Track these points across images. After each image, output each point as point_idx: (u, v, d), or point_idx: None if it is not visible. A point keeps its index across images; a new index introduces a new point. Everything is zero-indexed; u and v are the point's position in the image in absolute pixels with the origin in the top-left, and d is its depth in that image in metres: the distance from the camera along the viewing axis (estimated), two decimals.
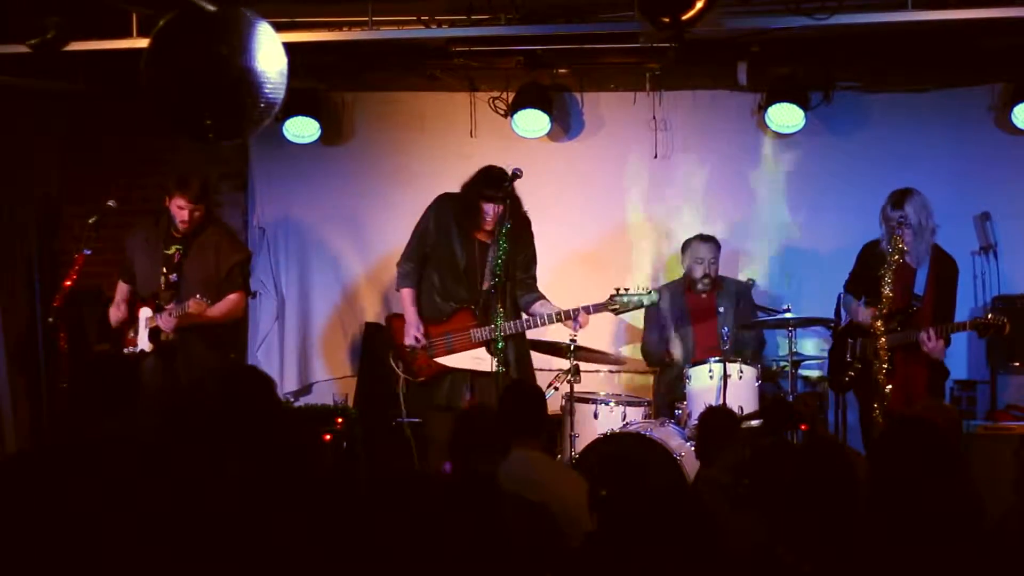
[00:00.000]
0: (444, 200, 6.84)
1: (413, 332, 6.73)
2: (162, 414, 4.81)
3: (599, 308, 6.61)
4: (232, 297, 6.78)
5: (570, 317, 6.56)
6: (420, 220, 6.90)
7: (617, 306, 6.62)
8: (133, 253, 6.87)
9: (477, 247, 6.71)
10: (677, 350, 7.36)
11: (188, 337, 6.64)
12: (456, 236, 6.72)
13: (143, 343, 6.68)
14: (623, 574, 3.37)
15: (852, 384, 6.77)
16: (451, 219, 6.75)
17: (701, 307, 7.40)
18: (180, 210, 6.69)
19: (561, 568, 3.63)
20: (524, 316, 6.65)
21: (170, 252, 6.71)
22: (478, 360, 6.62)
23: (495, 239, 6.49)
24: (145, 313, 6.71)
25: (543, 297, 6.76)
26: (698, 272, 7.39)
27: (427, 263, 6.81)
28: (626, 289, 6.61)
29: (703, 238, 7.47)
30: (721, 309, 7.32)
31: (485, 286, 6.63)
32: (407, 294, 6.83)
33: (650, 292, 6.67)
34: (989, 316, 6.60)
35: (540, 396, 5.34)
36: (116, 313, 6.85)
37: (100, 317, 7.02)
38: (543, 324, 6.65)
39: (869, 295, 6.71)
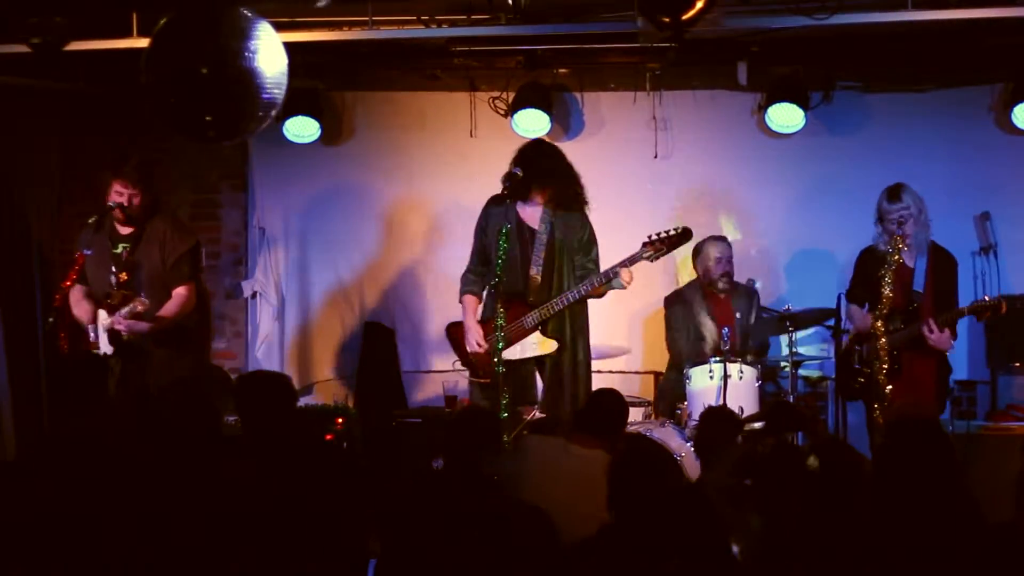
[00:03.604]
0: (492, 201, 6.66)
1: (473, 339, 6.57)
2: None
3: (634, 259, 6.42)
4: (180, 291, 6.50)
5: (608, 279, 6.41)
6: (476, 227, 6.74)
7: (651, 252, 6.45)
8: (80, 247, 6.58)
9: (527, 234, 6.59)
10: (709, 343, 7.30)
11: (152, 342, 6.42)
12: (504, 232, 6.48)
13: (104, 346, 6.41)
14: (632, 569, 3.37)
15: (861, 391, 6.73)
16: (503, 214, 6.57)
17: (720, 310, 7.37)
18: (118, 196, 6.43)
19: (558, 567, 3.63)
20: (559, 296, 6.46)
21: (118, 251, 6.47)
22: (524, 347, 6.50)
23: (495, 239, 6.43)
24: (102, 316, 6.42)
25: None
26: (717, 271, 7.31)
27: (488, 265, 6.63)
28: (657, 234, 6.46)
29: (714, 238, 7.43)
30: (738, 315, 7.30)
31: (533, 273, 6.53)
32: (467, 301, 6.69)
33: (681, 229, 6.47)
34: (987, 298, 6.55)
35: (622, 406, 5.40)
36: (82, 311, 6.50)
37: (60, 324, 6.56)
38: (577, 298, 6.46)
39: (871, 300, 6.69)
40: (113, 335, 6.39)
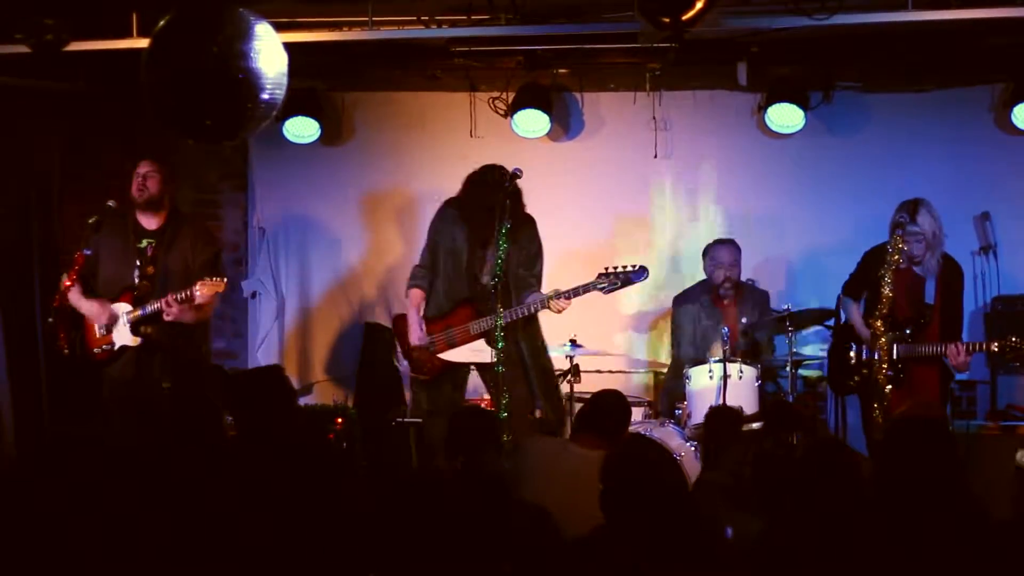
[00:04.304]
0: (449, 204, 6.79)
1: (416, 332, 6.69)
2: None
3: (587, 288, 6.49)
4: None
5: (543, 305, 6.48)
6: (431, 225, 6.86)
7: (605, 284, 6.51)
8: (98, 250, 6.59)
9: (479, 243, 6.65)
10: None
11: (169, 331, 6.45)
12: (460, 235, 6.67)
13: (124, 339, 6.44)
14: (627, 569, 3.38)
15: (858, 388, 6.75)
16: (456, 221, 6.70)
17: (725, 311, 7.36)
18: (136, 178, 6.50)
19: (561, 563, 3.64)
20: (510, 309, 6.48)
21: (142, 246, 6.51)
22: (477, 352, 6.57)
23: (495, 238, 6.45)
24: (122, 308, 6.45)
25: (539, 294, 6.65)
26: (719, 277, 7.26)
27: (436, 265, 6.76)
28: (614, 268, 6.54)
29: (722, 242, 7.38)
30: (744, 319, 7.28)
31: (485, 280, 6.57)
32: (413, 295, 6.78)
33: (638, 267, 6.55)
34: (1014, 340, 6.51)
35: (624, 406, 5.44)
36: (92, 307, 6.50)
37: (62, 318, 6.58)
38: (523, 314, 6.51)
39: (869, 298, 6.69)
40: (136, 326, 6.42)
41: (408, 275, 6.91)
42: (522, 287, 6.60)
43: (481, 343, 6.57)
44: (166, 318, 6.36)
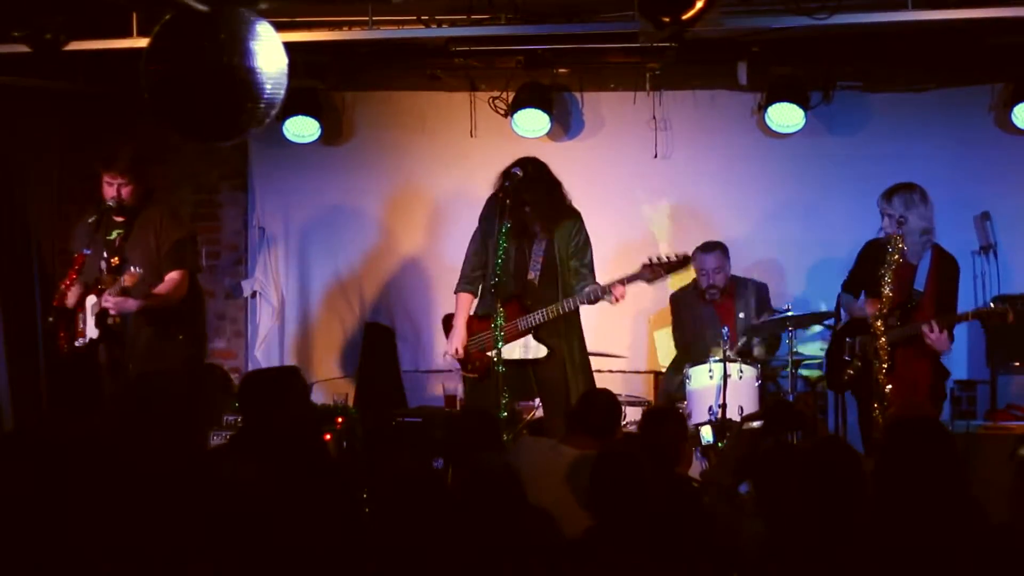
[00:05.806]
0: (490, 200, 6.69)
1: (454, 343, 6.64)
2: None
3: (632, 279, 6.46)
4: (172, 275, 6.47)
5: (603, 293, 6.41)
6: (479, 220, 6.75)
7: (649, 275, 6.49)
8: (79, 246, 6.57)
9: (525, 239, 6.58)
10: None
11: (135, 323, 6.41)
12: (504, 232, 6.50)
13: (91, 331, 6.41)
14: (621, 568, 3.38)
15: (851, 383, 6.76)
16: (495, 217, 6.57)
17: (720, 310, 7.37)
18: (108, 187, 6.45)
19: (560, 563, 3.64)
20: (558, 303, 6.48)
21: (112, 237, 6.49)
22: (526, 349, 6.51)
23: (496, 238, 6.43)
24: (91, 301, 6.42)
25: (596, 284, 6.55)
26: (703, 283, 7.38)
27: (487, 261, 6.64)
28: (658, 257, 6.50)
29: (705, 247, 7.40)
30: (741, 315, 7.30)
31: (531, 276, 6.53)
32: (460, 299, 6.72)
33: (682, 256, 6.54)
34: (992, 305, 6.56)
35: (614, 406, 5.42)
36: (72, 300, 6.47)
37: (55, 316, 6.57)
38: (573, 306, 6.48)
39: (868, 292, 6.69)
40: (99, 319, 6.38)
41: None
42: (576, 278, 6.54)
43: (530, 339, 6.51)
44: (112, 312, 6.31)
